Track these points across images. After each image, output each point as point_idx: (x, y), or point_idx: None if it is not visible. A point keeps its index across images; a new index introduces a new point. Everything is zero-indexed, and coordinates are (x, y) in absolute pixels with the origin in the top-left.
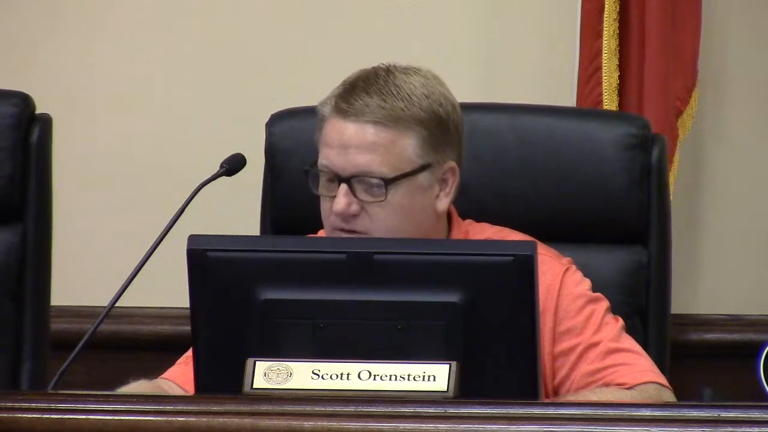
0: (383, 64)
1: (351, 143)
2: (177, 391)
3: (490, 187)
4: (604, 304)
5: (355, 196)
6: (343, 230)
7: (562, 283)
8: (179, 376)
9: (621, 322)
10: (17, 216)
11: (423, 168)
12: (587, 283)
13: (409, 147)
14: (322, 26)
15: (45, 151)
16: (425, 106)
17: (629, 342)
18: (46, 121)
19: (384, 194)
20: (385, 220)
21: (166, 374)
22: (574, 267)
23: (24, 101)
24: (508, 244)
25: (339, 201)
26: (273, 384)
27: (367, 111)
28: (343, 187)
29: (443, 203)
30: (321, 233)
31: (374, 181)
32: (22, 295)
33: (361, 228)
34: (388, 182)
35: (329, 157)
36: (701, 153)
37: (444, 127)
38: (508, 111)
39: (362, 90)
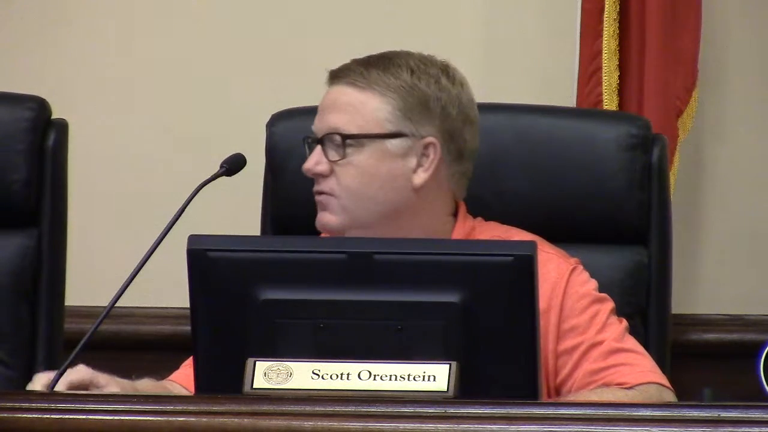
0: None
1: (327, 104)
2: (181, 393)
3: (490, 187)
4: (610, 304)
5: (326, 156)
6: (317, 192)
7: (568, 281)
8: (184, 378)
9: (625, 323)
10: (32, 220)
11: (394, 135)
12: (593, 284)
13: (380, 111)
14: (322, 26)
15: (60, 155)
16: (405, 77)
17: (632, 343)
18: (62, 126)
19: (344, 152)
20: (349, 180)
21: (171, 377)
22: (581, 267)
23: (40, 106)
24: (508, 244)
25: (308, 159)
26: (273, 384)
27: (347, 74)
28: (317, 147)
29: (420, 178)
30: (324, 235)
31: (338, 138)
32: (37, 299)
33: (327, 188)
34: (345, 138)
35: (314, 122)
36: (701, 153)
37: (423, 101)
38: (508, 111)
39: (359, 60)
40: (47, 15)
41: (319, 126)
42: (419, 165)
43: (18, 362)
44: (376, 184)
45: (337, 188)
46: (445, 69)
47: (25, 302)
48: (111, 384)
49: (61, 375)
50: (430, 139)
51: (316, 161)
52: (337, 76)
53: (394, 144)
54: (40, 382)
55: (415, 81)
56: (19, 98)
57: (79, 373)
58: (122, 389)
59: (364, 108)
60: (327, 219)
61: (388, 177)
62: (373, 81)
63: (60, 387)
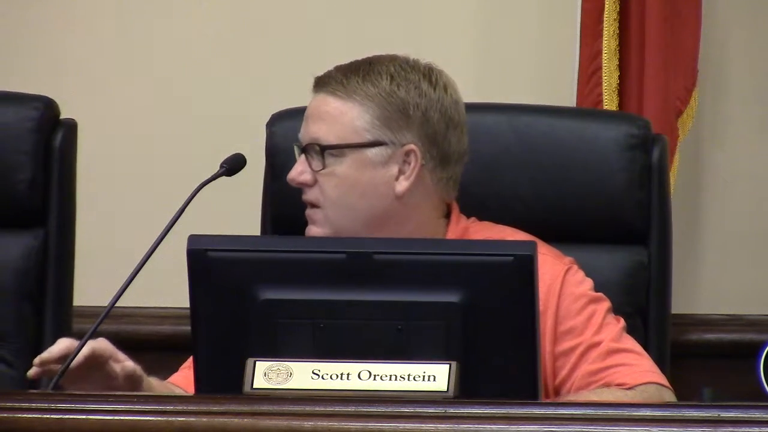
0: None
1: (310, 113)
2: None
3: (490, 187)
4: (606, 304)
5: (310, 166)
6: (305, 202)
7: (563, 283)
8: (183, 381)
9: (622, 322)
10: (39, 220)
11: (373, 144)
12: (589, 283)
13: (358, 120)
14: (321, 26)
15: (68, 155)
16: (383, 85)
17: (630, 342)
18: (70, 126)
19: (324, 162)
20: (331, 190)
21: (170, 379)
22: (575, 267)
23: (47, 105)
24: (508, 244)
25: (292, 169)
26: (273, 384)
27: (329, 83)
28: (302, 156)
29: (402, 186)
30: None
31: (318, 148)
32: (43, 299)
33: (312, 198)
34: (324, 149)
35: (300, 129)
36: (701, 153)
37: (402, 109)
38: (508, 111)
39: (341, 67)
40: (53, 17)
41: (303, 135)
42: (401, 173)
43: (22, 362)
44: (358, 194)
45: (321, 198)
46: (428, 73)
47: (28, 302)
48: (129, 361)
49: (61, 375)
50: (410, 146)
51: (299, 171)
52: (319, 85)
53: (373, 153)
54: (63, 344)
55: (394, 88)
56: (26, 98)
57: (103, 343)
58: (137, 370)
59: (343, 118)
60: (313, 233)
61: (370, 186)
62: (352, 90)
63: (83, 353)
